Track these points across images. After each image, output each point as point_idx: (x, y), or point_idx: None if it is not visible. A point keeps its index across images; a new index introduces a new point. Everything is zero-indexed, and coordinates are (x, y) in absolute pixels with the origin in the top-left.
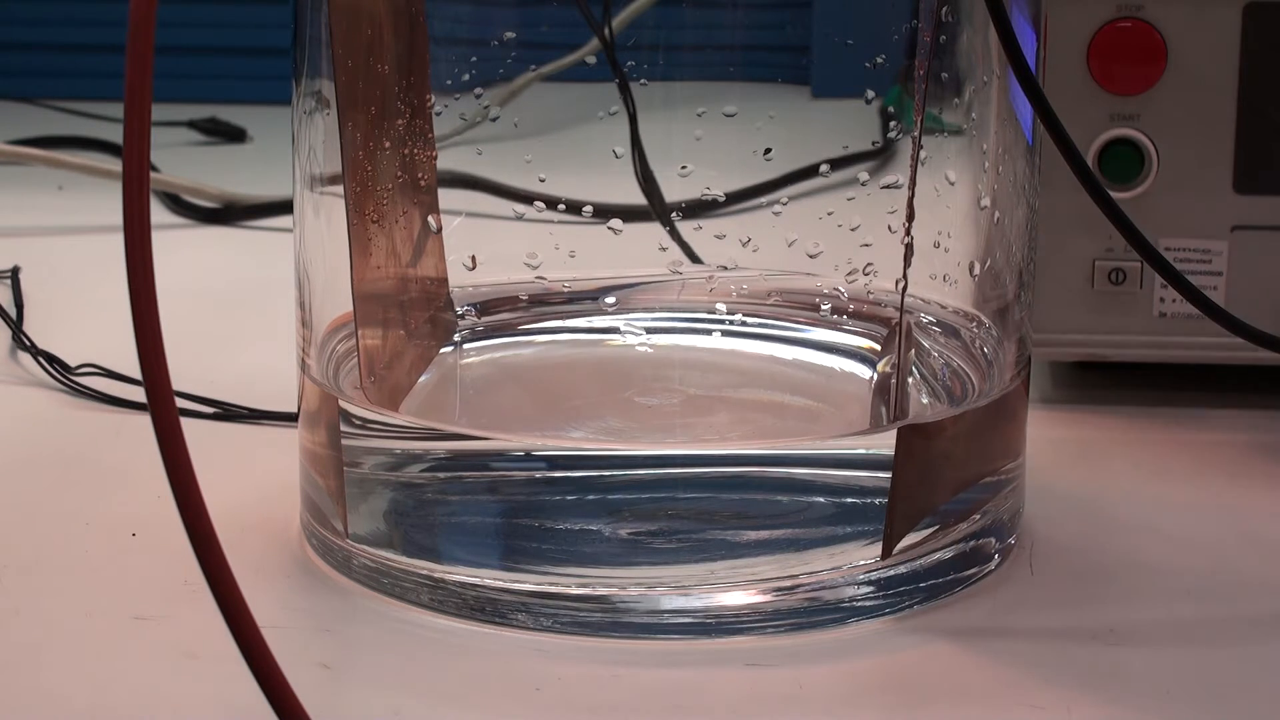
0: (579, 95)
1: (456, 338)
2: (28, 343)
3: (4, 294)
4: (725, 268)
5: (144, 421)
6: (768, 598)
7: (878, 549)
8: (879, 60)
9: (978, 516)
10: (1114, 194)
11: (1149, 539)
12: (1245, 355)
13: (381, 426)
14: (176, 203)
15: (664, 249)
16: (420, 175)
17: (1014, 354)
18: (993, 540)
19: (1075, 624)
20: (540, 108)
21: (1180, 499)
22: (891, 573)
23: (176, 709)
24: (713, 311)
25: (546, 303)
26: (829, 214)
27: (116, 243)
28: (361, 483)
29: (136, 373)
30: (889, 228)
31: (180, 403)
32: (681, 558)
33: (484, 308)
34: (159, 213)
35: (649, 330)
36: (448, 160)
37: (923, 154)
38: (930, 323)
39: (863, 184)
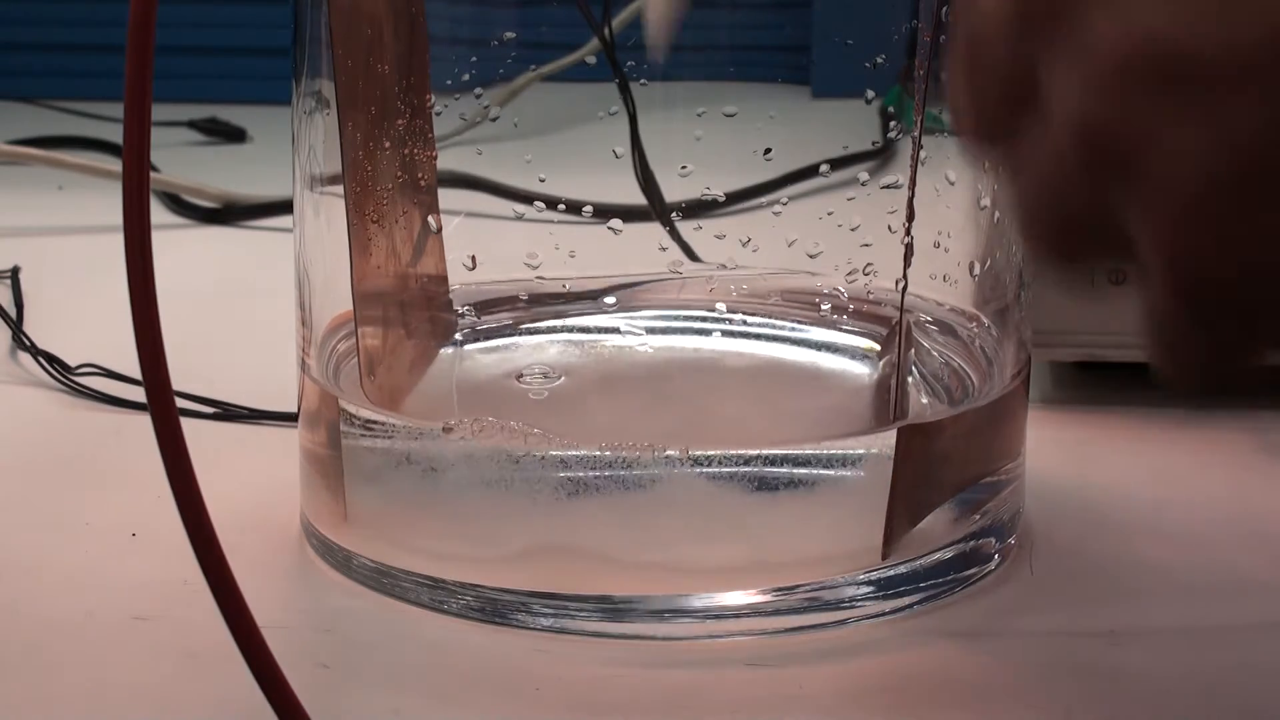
0: (579, 95)
1: (458, 337)
2: (28, 343)
3: (4, 294)
4: (725, 266)
5: (144, 421)
6: (768, 598)
7: (878, 549)
8: (879, 60)
9: (978, 516)
10: None
11: (1149, 539)
12: None
13: (381, 426)
14: (176, 203)
15: (664, 249)
16: (420, 175)
17: (1014, 354)
18: (993, 540)
19: (1075, 624)
20: (540, 108)
21: (1180, 499)
22: (891, 573)
23: (176, 709)
24: (712, 311)
25: (546, 303)
26: (829, 214)
27: (116, 243)
28: (362, 482)
29: (136, 373)
30: (889, 228)
31: (180, 403)
32: (682, 557)
33: (484, 308)
34: (159, 213)
35: (649, 330)
36: (448, 160)
37: (923, 154)
38: (930, 323)
39: (863, 184)
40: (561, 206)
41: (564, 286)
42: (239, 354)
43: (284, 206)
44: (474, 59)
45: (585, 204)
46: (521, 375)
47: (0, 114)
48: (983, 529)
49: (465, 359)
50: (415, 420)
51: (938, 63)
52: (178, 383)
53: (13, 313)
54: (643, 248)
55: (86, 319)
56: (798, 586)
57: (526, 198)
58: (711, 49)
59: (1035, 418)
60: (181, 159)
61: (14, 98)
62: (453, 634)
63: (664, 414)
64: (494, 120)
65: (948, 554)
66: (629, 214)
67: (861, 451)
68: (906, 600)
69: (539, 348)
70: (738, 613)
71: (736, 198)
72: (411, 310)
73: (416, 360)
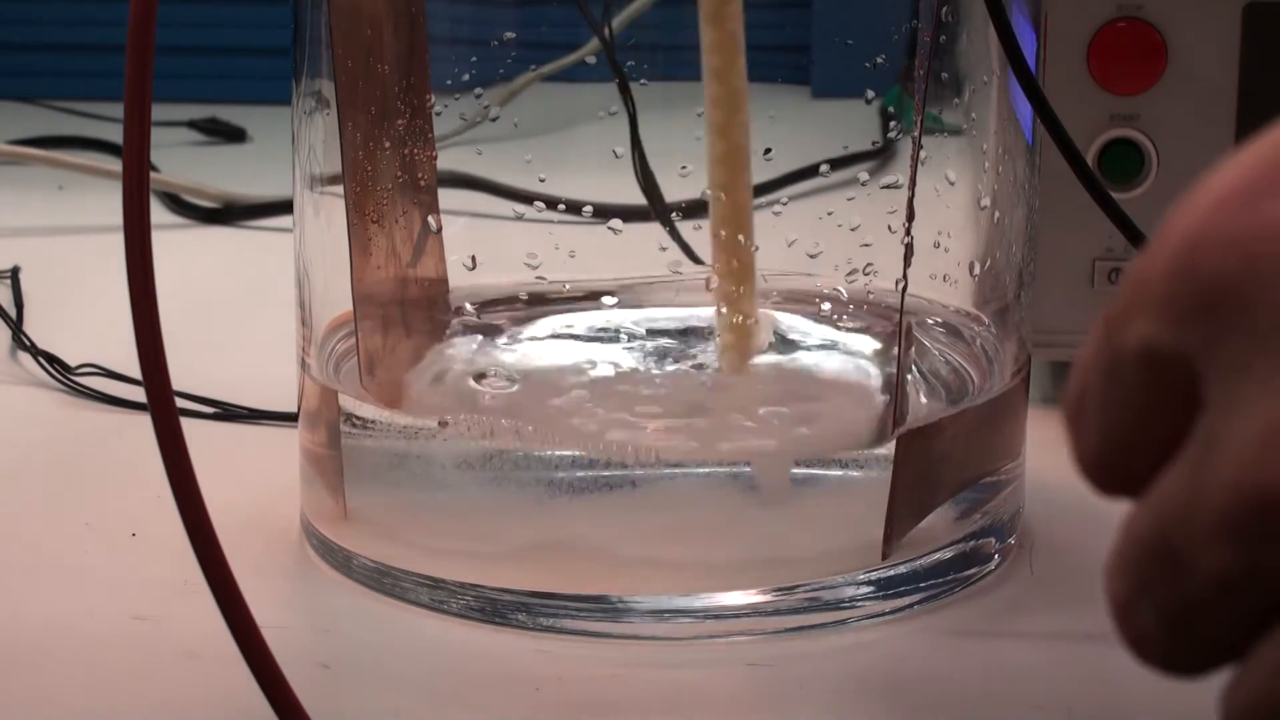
0: (579, 95)
1: (460, 340)
2: (28, 343)
3: (4, 294)
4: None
5: (144, 421)
6: (768, 598)
7: (878, 549)
8: (879, 60)
9: (978, 516)
10: (1114, 194)
11: None
12: None
13: (381, 426)
14: (176, 203)
15: (664, 249)
16: (420, 175)
17: (1014, 354)
18: (993, 540)
19: (1075, 624)
20: (540, 108)
21: None
22: (891, 573)
23: (176, 709)
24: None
25: (547, 302)
26: (829, 214)
27: (116, 243)
28: (361, 482)
29: (136, 373)
30: (889, 228)
31: (180, 403)
32: (682, 557)
33: (484, 308)
34: (159, 213)
35: (649, 331)
36: (448, 160)
37: (923, 154)
38: (930, 322)
39: (863, 184)
40: (561, 206)
41: (564, 287)
42: (239, 354)
43: (284, 206)
44: (474, 59)
45: (585, 204)
46: (484, 376)
47: (0, 114)
48: (983, 529)
49: (462, 358)
50: (409, 416)
51: (938, 63)
52: (178, 383)
53: (13, 313)
54: (643, 248)
55: (86, 319)
56: (798, 586)
57: (526, 198)
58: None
59: (1035, 418)
60: (181, 159)
61: (14, 98)
62: (453, 634)
63: (662, 414)
64: (494, 120)
65: (948, 554)
66: (629, 214)
67: (861, 451)
68: (906, 600)
69: (536, 347)
70: (738, 613)
71: None
72: (411, 311)
73: (416, 360)
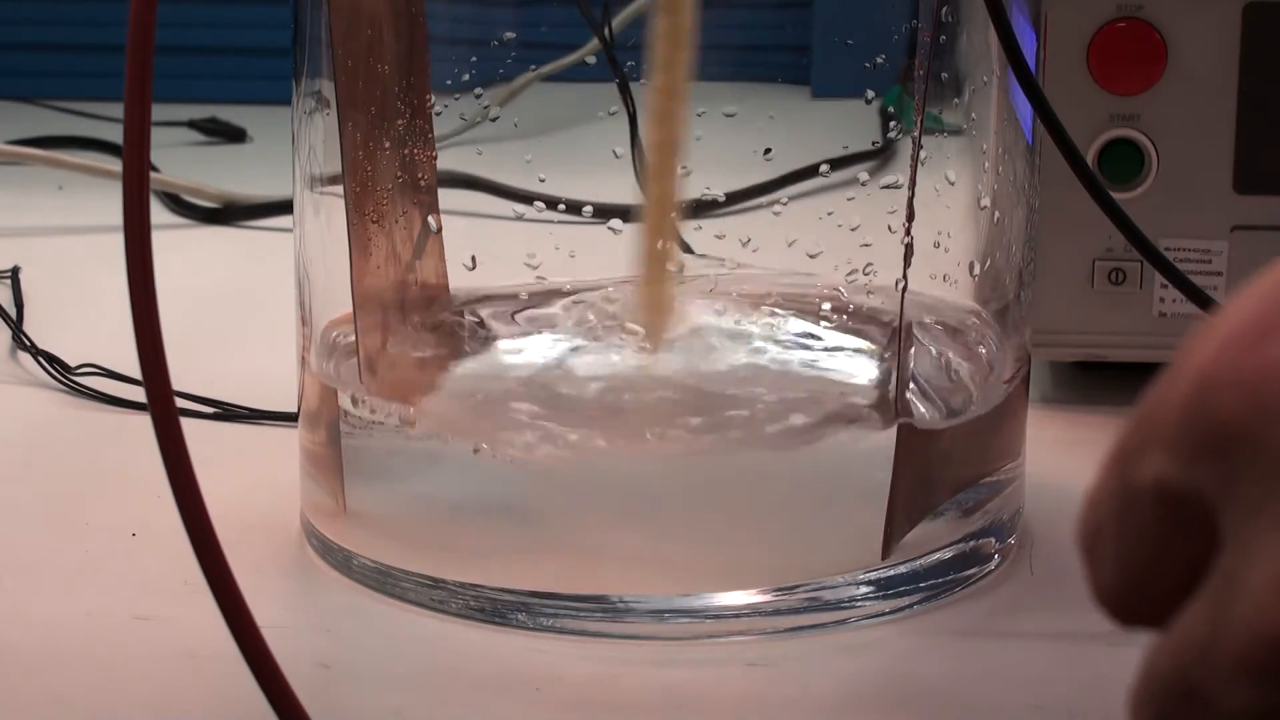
0: (579, 95)
1: (459, 340)
2: (28, 343)
3: (4, 294)
4: (724, 264)
5: (144, 421)
6: (768, 598)
7: (878, 549)
8: (879, 60)
9: (978, 516)
10: (1114, 194)
11: None
12: None
13: (381, 426)
14: (176, 203)
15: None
16: (420, 175)
17: (1014, 354)
18: (993, 540)
19: (1075, 624)
20: (540, 108)
21: None
22: (891, 573)
23: (176, 709)
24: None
25: (547, 303)
26: (829, 214)
27: (116, 243)
28: (361, 482)
29: (136, 373)
30: (889, 228)
31: (180, 403)
32: (682, 557)
33: (484, 308)
34: (159, 213)
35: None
36: (448, 160)
37: (923, 154)
38: (930, 322)
39: (863, 184)
40: (561, 206)
41: (565, 287)
42: (239, 354)
43: (284, 206)
44: (474, 59)
45: (585, 204)
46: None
47: (0, 114)
48: (983, 529)
49: (487, 369)
50: (438, 440)
51: (938, 63)
52: (178, 383)
53: (13, 313)
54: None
55: (86, 319)
56: (798, 586)
57: (526, 198)
58: (711, 49)
59: (1035, 418)
60: (181, 159)
61: (14, 98)
62: (453, 634)
63: (662, 416)
64: (494, 120)
65: (948, 554)
66: (629, 214)
67: (862, 451)
68: (906, 600)
69: (540, 350)
70: (738, 613)
71: (736, 198)
72: (411, 311)
73: (415, 360)
